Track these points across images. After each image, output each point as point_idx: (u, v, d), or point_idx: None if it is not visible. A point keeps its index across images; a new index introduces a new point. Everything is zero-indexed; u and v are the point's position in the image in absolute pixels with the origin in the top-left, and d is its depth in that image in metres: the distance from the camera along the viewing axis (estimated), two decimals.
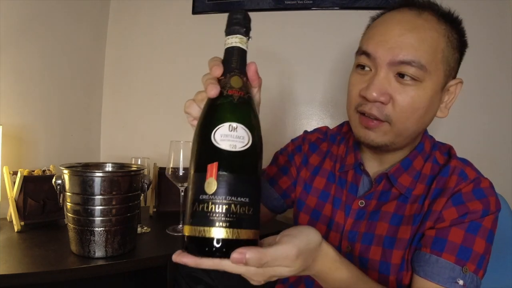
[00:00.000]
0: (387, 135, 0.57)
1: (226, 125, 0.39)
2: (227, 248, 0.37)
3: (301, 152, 0.77)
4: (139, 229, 0.98)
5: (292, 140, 0.80)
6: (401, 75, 0.54)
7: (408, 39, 0.53)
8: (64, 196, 0.78)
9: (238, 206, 0.38)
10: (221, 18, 1.58)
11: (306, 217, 0.71)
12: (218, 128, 0.39)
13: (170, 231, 1.00)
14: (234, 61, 0.44)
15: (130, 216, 0.81)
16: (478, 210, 0.53)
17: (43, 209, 0.98)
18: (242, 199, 0.38)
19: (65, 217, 0.80)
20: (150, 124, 1.47)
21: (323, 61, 1.31)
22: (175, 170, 0.97)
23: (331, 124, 1.31)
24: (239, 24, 0.44)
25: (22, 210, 0.94)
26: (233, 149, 0.39)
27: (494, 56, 1.15)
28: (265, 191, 0.77)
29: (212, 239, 0.37)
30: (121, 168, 0.92)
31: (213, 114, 0.41)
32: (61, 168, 0.78)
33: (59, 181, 0.78)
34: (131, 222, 0.82)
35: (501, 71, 1.16)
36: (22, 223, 0.93)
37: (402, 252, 0.57)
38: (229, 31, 0.44)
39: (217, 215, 0.37)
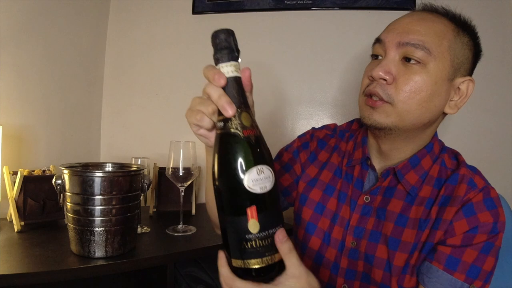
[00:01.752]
0: (390, 116, 0.58)
1: (254, 170, 0.42)
2: (270, 269, 0.44)
3: (308, 149, 0.77)
4: (139, 229, 0.98)
5: (299, 136, 0.81)
6: (407, 59, 0.57)
7: (416, 26, 0.57)
8: (64, 196, 0.78)
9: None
10: (221, 18, 1.58)
11: (309, 211, 0.71)
12: (248, 174, 0.41)
13: (170, 231, 1.00)
14: (237, 94, 0.44)
15: (130, 216, 0.81)
16: (488, 223, 0.54)
17: (43, 209, 0.98)
18: (278, 226, 0.44)
19: (65, 217, 0.80)
20: (150, 124, 1.47)
21: (323, 61, 1.31)
22: (175, 170, 0.97)
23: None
24: (229, 48, 0.43)
25: (22, 210, 0.94)
26: (265, 190, 0.42)
27: (494, 56, 1.15)
28: None
29: (263, 267, 0.43)
30: (121, 168, 0.92)
31: (237, 160, 0.42)
32: (61, 168, 0.78)
33: (59, 181, 0.78)
34: (131, 222, 0.82)
35: (501, 71, 1.16)
36: (22, 223, 0.93)
37: (406, 256, 0.58)
38: (220, 57, 0.43)
39: (264, 247, 0.42)
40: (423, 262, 0.57)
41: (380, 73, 0.57)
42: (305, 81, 1.33)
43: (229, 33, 0.43)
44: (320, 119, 1.32)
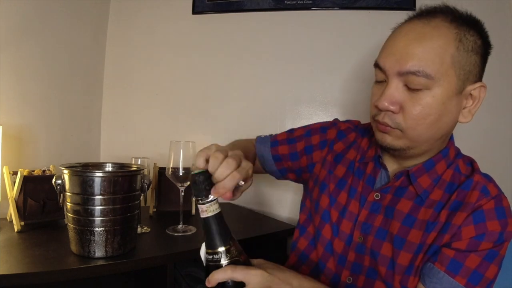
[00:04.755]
0: (401, 139, 0.59)
1: None
2: None
3: (326, 146, 0.79)
4: (139, 229, 0.98)
5: (321, 130, 0.81)
6: (409, 85, 0.55)
7: (413, 49, 0.54)
8: (64, 196, 0.78)
9: None
10: (221, 18, 1.58)
11: (326, 200, 0.73)
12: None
13: (170, 231, 1.00)
14: (225, 226, 0.49)
15: (130, 216, 0.81)
16: (495, 232, 0.54)
17: (43, 209, 0.97)
18: None
19: (65, 217, 0.80)
20: (150, 124, 1.47)
21: (323, 61, 1.31)
22: (175, 170, 0.97)
23: None
24: (206, 190, 0.48)
25: (22, 210, 0.94)
26: None
27: (494, 56, 1.14)
28: (267, 155, 0.84)
29: None
30: (121, 168, 0.92)
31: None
32: (61, 168, 0.78)
33: (59, 181, 0.78)
34: (131, 222, 0.82)
35: (501, 71, 1.16)
36: (22, 223, 0.93)
37: (411, 256, 0.58)
38: (205, 197, 0.48)
39: None
40: (425, 263, 0.57)
41: (385, 103, 0.57)
42: (305, 81, 1.33)
43: (209, 173, 0.48)
44: (320, 119, 1.31)
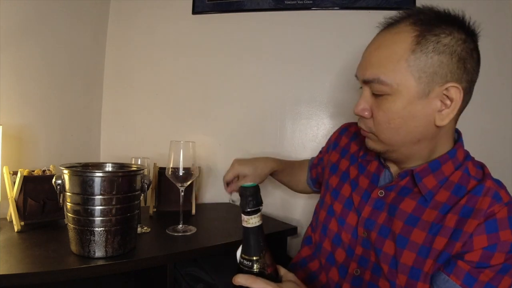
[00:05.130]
0: (378, 143, 0.64)
1: None
2: None
3: (330, 148, 0.87)
4: (139, 229, 0.98)
5: (329, 138, 0.92)
6: (374, 92, 0.60)
7: (372, 58, 0.60)
8: (64, 196, 0.78)
9: None
10: (221, 18, 1.58)
11: (330, 196, 0.77)
12: None
13: (170, 231, 1.00)
14: (262, 239, 0.53)
15: (130, 216, 0.81)
16: (507, 242, 0.53)
17: (43, 209, 0.97)
18: None
19: (65, 217, 0.80)
20: (150, 124, 1.47)
21: (323, 61, 1.31)
22: (175, 170, 0.97)
23: (331, 123, 1.32)
24: (258, 203, 0.52)
25: (22, 210, 0.94)
26: None
27: (494, 56, 1.15)
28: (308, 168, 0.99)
29: None
30: (121, 168, 0.92)
31: None
32: (61, 168, 0.78)
33: (59, 181, 0.78)
34: (131, 222, 0.82)
35: (501, 71, 1.16)
36: (22, 223, 0.93)
37: (414, 255, 0.58)
38: (251, 211, 0.51)
39: None
40: (439, 273, 0.56)
41: (358, 109, 0.62)
42: (305, 81, 1.33)
43: (257, 189, 0.53)
44: (320, 119, 1.32)
